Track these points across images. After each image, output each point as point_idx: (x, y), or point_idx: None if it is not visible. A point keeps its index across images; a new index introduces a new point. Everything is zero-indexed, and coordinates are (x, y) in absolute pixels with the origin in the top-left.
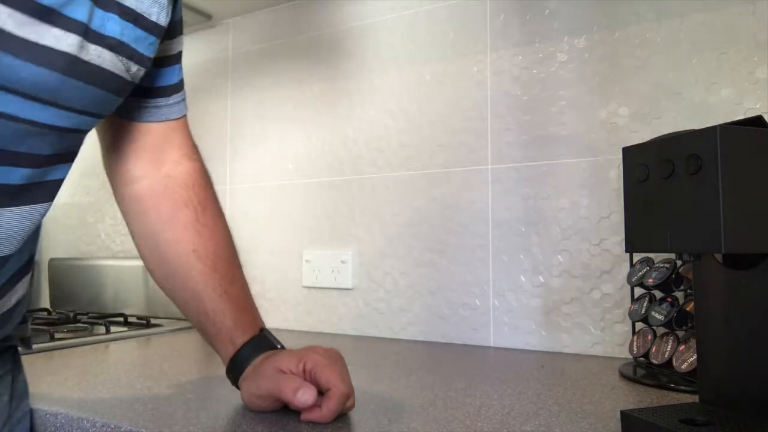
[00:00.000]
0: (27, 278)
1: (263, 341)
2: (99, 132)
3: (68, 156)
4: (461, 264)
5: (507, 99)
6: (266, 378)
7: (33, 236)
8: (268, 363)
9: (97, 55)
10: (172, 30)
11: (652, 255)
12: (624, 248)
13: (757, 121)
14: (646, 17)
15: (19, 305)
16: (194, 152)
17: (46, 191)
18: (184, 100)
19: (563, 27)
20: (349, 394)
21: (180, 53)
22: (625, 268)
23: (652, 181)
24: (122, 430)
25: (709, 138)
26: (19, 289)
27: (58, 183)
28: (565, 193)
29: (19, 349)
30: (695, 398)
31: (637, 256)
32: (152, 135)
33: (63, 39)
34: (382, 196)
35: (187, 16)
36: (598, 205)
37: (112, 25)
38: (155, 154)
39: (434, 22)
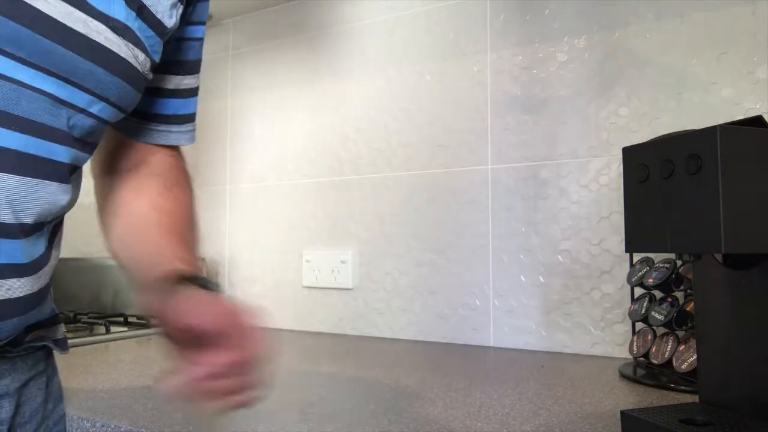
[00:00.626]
0: (47, 268)
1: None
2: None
3: (85, 145)
4: (461, 264)
5: (507, 99)
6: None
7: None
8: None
9: (98, 32)
10: (190, 67)
11: (652, 255)
12: (624, 248)
13: (757, 121)
14: (646, 17)
15: (42, 294)
16: (183, 159)
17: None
18: (192, 131)
19: (563, 27)
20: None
21: (193, 90)
22: (625, 268)
23: (652, 181)
24: (122, 430)
25: (709, 138)
26: (42, 276)
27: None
28: (565, 193)
29: (54, 351)
30: (695, 398)
31: (637, 256)
32: (147, 152)
33: (54, 6)
34: (382, 196)
35: None
36: (598, 205)
37: (117, 8)
38: (144, 161)
39: (434, 22)
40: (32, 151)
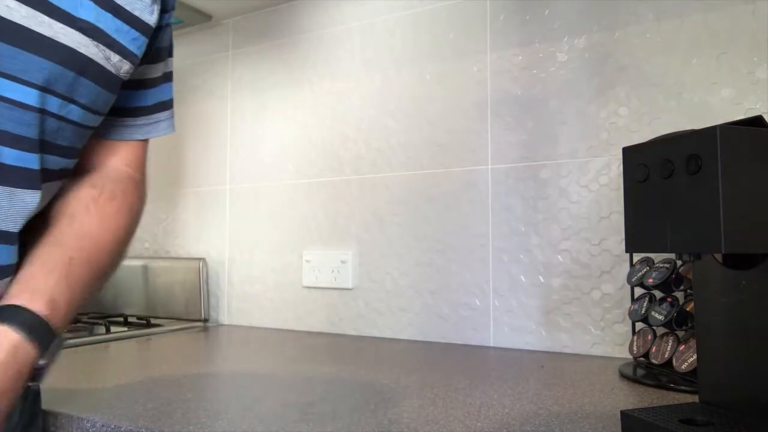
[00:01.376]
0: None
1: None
2: None
3: (57, 149)
4: (461, 264)
5: (507, 99)
6: None
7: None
8: None
9: (64, 34)
10: (156, 55)
11: (652, 255)
12: (624, 248)
13: (757, 121)
14: (646, 17)
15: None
16: (141, 172)
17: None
18: (154, 123)
19: (563, 27)
20: None
21: (159, 77)
22: (625, 268)
23: (652, 181)
24: (122, 430)
25: (709, 138)
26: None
27: (46, 173)
28: (565, 193)
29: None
30: (695, 398)
31: (637, 256)
32: (105, 155)
33: (16, 10)
34: (382, 196)
35: (187, 16)
36: (598, 205)
37: (86, 10)
38: (98, 164)
39: (434, 22)
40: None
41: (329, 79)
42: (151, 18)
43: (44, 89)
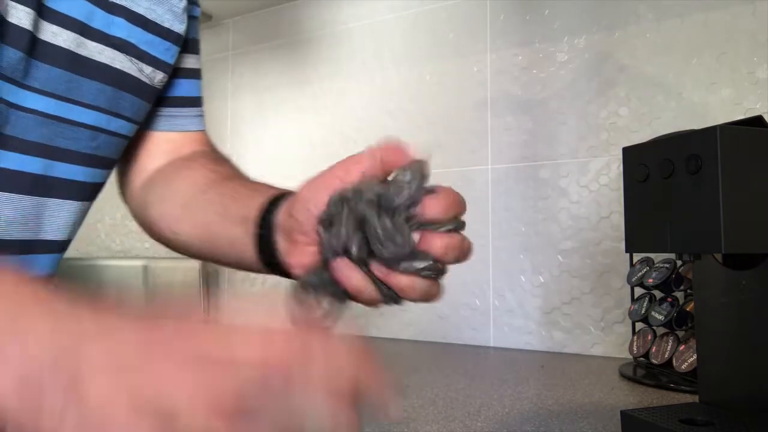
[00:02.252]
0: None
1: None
2: None
3: (101, 161)
4: (461, 264)
5: (507, 99)
6: None
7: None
8: None
9: (98, 52)
10: (189, 46)
11: (652, 255)
12: (624, 248)
13: (757, 121)
14: (646, 17)
15: None
16: (209, 146)
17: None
18: (200, 116)
19: (563, 27)
20: None
21: (190, 71)
22: (625, 268)
23: (652, 181)
24: None
25: (709, 138)
26: None
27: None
28: (565, 193)
29: None
30: (695, 398)
31: (637, 256)
32: (168, 142)
33: (59, 35)
34: None
35: None
36: (598, 205)
37: (117, 27)
38: (170, 157)
39: (434, 22)
40: (51, 173)
41: (329, 79)
42: (182, 27)
43: (92, 107)
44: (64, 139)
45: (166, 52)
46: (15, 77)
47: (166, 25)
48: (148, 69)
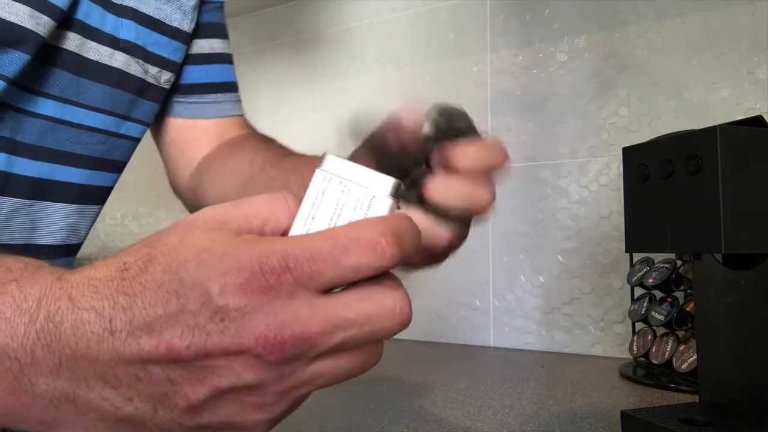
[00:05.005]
0: None
1: None
2: (157, 142)
3: (110, 164)
4: (461, 264)
5: (507, 99)
6: None
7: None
8: None
9: (109, 56)
10: (211, 30)
11: (652, 255)
12: (624, 248)
13: (757, 121)
14: (646, 17)
15: None
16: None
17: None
18: (239, 100)
19: (563, 27)
20: None
21: (225, 55)
22: (625, 268)
23: (652, 181)
24: None
25: (709, 138)
26: None
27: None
28: (565, 193)
29: None
30: (695, 398)
31: (637, 256)
32: (213, 128)
33: (72, 41)
34: None
35: None
36: (598, 205)
37: (126, 30)
38: (217, 143)
39: (434, 22)
40: (53, 177)
41: (329, 79)
42: (190, 25)
43: (103, 111)
44: (71, 143)
45: (174, 52)
46: (22, 82)
47: (175, 24)
48: (153, 69)
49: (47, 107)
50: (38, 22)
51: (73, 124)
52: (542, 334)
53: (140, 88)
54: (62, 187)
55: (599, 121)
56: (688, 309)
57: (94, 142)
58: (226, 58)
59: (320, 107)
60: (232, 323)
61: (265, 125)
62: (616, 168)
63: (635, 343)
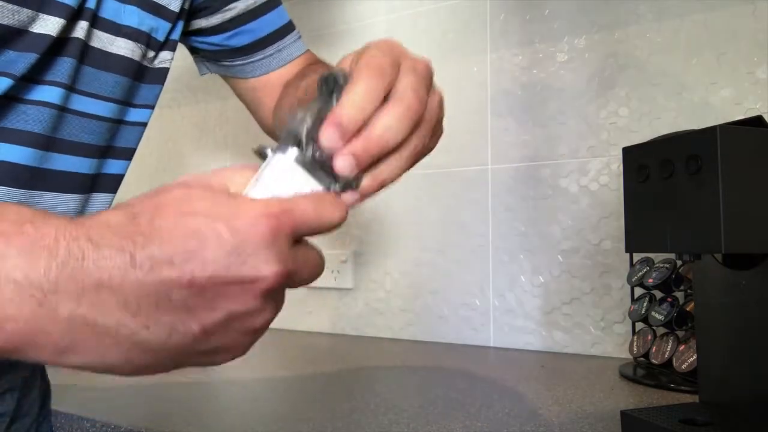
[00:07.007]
0: None
1: None
2: (247, 104)
3: (120, 151)
4: (461, 264)
5: (507, 99)
6: None
7: None
8: None
9: (111, 44)
10: None
11: (652, 255)
12: (624, 248)
13: (757, 121)
14: (646, 17)
15: None
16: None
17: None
18: (299, 38)
19: (563, 27)
20: None
21: (272, 2)
22: (625, 268)
23: (652, 181)
24: (122, 430)
25: (709, 138)
26: None
27: (114, 178)
28: (565, 193)
29: None
30: (695, 398)
31: (637, 256)
32: (284, 75)
33: (81, 28)
34: (383, 196)
35: None
36: (598, 205)
37: (128, 15)
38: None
39: (434, 22)
40: (78, 170)
41: None
42: (177, 6)
43: (108, 99)
44: (77, 132)
45: (173, 32)
46: (29, 75)
47: (172, 7)
48: (151, 53)
49: (52, 95)
50: (48, 23)
51: (77, 113)
52: (542, 334)
53: (141, 72)
54: (66, 176)
55: (599, 121)
56: (688, 309)
57: (102, 131)
58: (271, 4)
59: None
60: (249, 258)
61: None
62: (616, 168)
63: (635, 343)
